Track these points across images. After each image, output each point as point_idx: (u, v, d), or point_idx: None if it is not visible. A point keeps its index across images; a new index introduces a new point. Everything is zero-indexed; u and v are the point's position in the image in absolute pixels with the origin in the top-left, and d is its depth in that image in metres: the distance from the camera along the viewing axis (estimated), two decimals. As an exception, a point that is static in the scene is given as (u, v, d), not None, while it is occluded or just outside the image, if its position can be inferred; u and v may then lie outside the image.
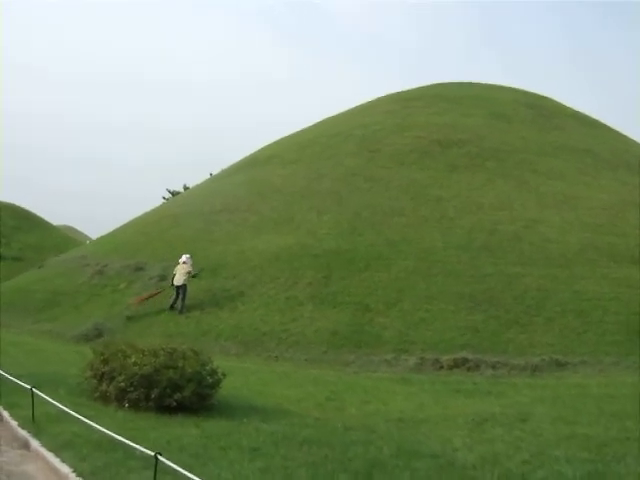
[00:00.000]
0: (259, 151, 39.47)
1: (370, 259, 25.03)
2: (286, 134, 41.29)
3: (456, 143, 32.85)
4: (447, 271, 24.17)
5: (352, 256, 25.29)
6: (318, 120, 41.62)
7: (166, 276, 26.02)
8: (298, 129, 41.41)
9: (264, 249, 26.57)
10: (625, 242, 26.38)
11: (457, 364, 19.66)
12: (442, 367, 19.69)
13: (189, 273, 24.83)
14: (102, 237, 37.04)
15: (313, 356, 20.51)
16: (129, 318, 24.22)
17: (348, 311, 22.44)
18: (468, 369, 19.54)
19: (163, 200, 64.76)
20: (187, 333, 22.60)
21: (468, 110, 36.81)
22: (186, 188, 63.03)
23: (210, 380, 13.00)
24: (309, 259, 25.43)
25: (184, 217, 31.00)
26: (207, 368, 13.06)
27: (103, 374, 13.08)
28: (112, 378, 12.82)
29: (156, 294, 25.48)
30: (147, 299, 25.33)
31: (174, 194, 63.21)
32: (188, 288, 24.58)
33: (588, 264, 24.80)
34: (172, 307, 24.67)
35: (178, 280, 24.70)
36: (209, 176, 62.79)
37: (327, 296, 23.29)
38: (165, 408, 12.47)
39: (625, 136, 39.38)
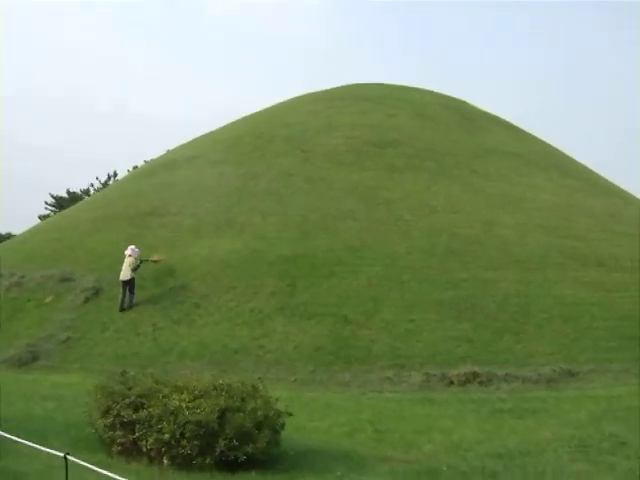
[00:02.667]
0: (176, 151, 35.52)
1: (332, 265, 22.04)
2: (197, 134, 37.54)
3: (390, 144, 30.41)
4: (419, 277, 21.59)
5: (311, 262, 22.23)
6: (234, 119, 38.10)
7: (102, 289, 21.91)
8: (210, 129, 37.76)
9: (209, 255, 23.01)
10: (585, 245, 24.81)
11: (468, 379, 17.08)
12: (452, 383, 17.08)
13: (135, 265, 21.60)
14: (8, 244, 31.80)
15: (302, 376, 17.34)
16: (66, 340, 19.95)
17: (326, 323, 19.40)
18: (480, 384, 17.02)
19: (47, 206, 58.76)
20: (143, 353, 18.80)
21: (391, 111, 34.53)
22: (70, 193, 57.46)
23: (280, 422, 9.62)
24: (264, 266, 22.11)
25: (105, 221, 26.74)
26: (275, 408, 9.66)
27: (132, 423, 9.36)
28: (148, 427, 9.14)
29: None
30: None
31: (58, 199, 57.32)
32: (135, 282, 21.42)
33: (558, 268, 22.94)
34: (122, 309, 21.21)
35: (124, 275, 21.39)
36: (105, 180, 58.32)
37: (296, 307, 20.12)
38: (226, 464, 9.01)
39: (542, 140, 38.30)
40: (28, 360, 19.25)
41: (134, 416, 9.33)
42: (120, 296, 21.36)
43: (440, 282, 21.43)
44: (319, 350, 18.31)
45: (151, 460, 9.33)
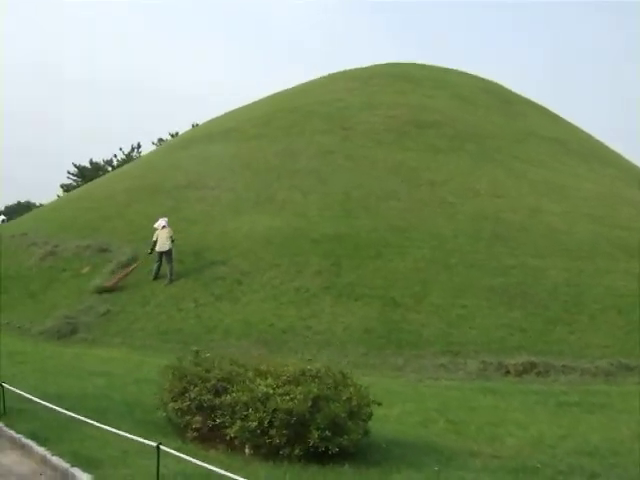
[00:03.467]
0: (210, 124, 34.59)
1: (378, 246, 21.23)
2: (227, 109, 36.65)
3: (431, 125, 29.49)
4: (467, 262, 20.76)
5: (356, 242, 21.41)
6: (265, 95, 37.14)
7: (139, 261, 21.25)
8: (239, 105, 36.84)
9: (250, 231, 22.22)
10: (631, 235, 23.86)
11: (525, 369, 16.29)
12: (508, 372, 16.29)
13: (172, 237, 20.85)
14: (38, 212, 31.11)
15: (354, 359, 16.50)
16: (105, 312, 19.22)
17: (374, 305, 18.59)
18: (537, 374, 16.24)
19: (69, 175, 57.99)
20: (186, 330, 18.03)
21: (430, 91, 33.58)
22: (93, 163, 56.67)
23: (369, 412, 8.86)
24: (308, 244, 21.32)
25: (141, 193, 25.98)
26: (367, 397, 8.88)
27: (213, 408, 8.61)
28: (232, 414, 8.39)
29: (130, 272, 21.17)
30: (120, 280, 21.01)
31: (80, 169, 56.49)
32: (174, 253, 20.68)
33: (607, 258, 22.07)
34: (156, 277, 20.68)
35: (162, 245, 20.70)
36: (129, 151, 57.55)
37: (343, 288, 19.32)
38: (315, 456, 8.25)
39: (576, 126, 37.26)
40: (67, 332, 18.57)
41: (216, 401, 8.57)
42: (155, 265, 20.74)
43: (488, 268, 20.62)
44: (369, 333, 17.54)
45: (231, 448, 8.59)
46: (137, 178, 27.81)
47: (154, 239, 20.85)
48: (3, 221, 38.50)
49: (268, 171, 25.86)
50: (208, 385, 8.77)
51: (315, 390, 8.32)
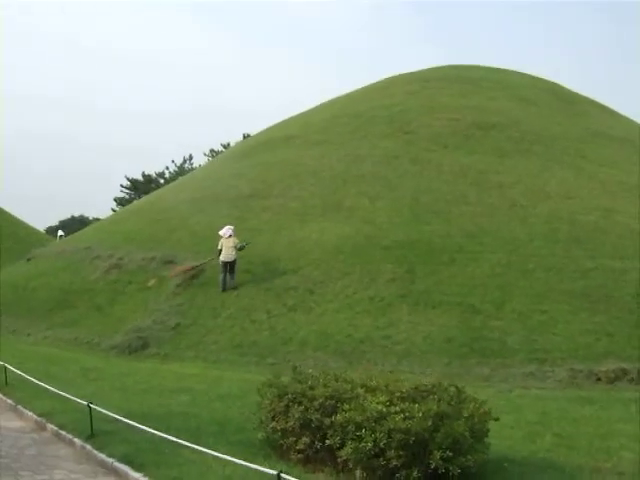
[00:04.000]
0: (270, 131, 34.26)
1: (452, 252, 20.59)
2: (285, 116, 36.33)
3: (494, 126, 28.71)
4: (544, 266, 20.00)
5: (429, 248, 20.80)
6: (322, 101, 36.78)
7: (205, 272, 20.98)
8: (297, 111, 36.48)
9: (320, 239, 21.76)
10: None
11: (617, 376, 15.51)
12: (599, 379, 15.53)
13: (236, 246, 20.54)
14: (99, 226, 31.12)
15: (437, 369, 15.83)
16: (176, 326, 18.92)
17: (453, 313, 17.96)
18: (630, 381, 15.46)
19: (122, 189, 58.36)
20: (262, 342, 17.61)
21: (491, 93, 32.77)
22: (146, 176, 56.92)
23: (487, 429, 8.27)
24: (379, 251, 20.79)
25: (205, 203, 25.72)
26: (487, 413, 8.30)
27: (320, 428, 8.13)
28: (343, 434, 7.87)
29: (200, 266, 21.31)
30: (190, 271, 21.19)
31: (133, 182, 56.78)
32: (237, 263, 20.44)
33: (688, 259, 21.01)
34: (225, 288, 20.31)
35: (228, 256, 20.39)
36: (181, 163, 57.76)
37: (419, 295, 18.73)
38: (433, 478, 7.71)
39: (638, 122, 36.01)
40: (138, 347, 18.30)
41: (325, 421, 8.08)
42: (221, 276, 20.39)
43: (567, 271, 19.84)
44: (450, 342, 16.91)
45: (340, 471, 8.10)
46: (198, 189, 27.59)
47: (219, 247, 20.54)
48: (61, 236, 38.68)
49: (333, 177, 25.40)
50: (315, 404, 8.30)
51: (435, 407, 7.79)
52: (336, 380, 8.76)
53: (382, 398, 8.00)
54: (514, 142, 27.65)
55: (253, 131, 59.37)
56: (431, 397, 8.04)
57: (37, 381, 12.58)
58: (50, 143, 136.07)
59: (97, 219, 62.54)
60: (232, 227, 21.05)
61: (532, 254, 20.58)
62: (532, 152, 27.06)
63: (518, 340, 16.90)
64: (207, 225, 23.67)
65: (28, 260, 28.13)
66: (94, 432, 9.69)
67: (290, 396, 8.65)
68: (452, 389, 8.48)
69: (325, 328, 17.78)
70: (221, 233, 20.87)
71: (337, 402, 8.21)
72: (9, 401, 12.67)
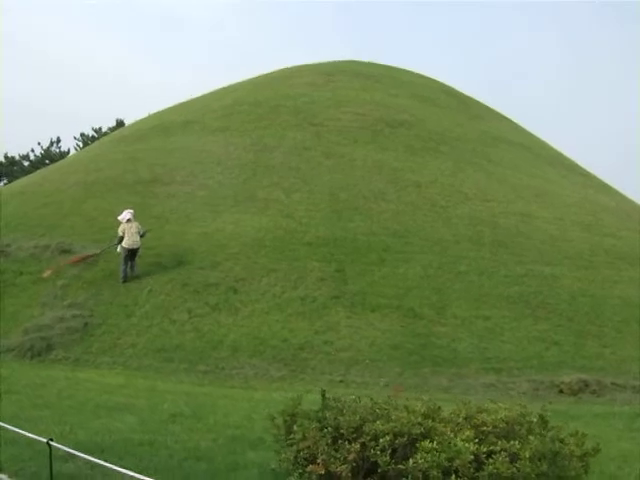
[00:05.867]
0: (162, 115, 31.28)
1: (379, 251, 19.11)
2: (177, 100, 33.53)
3: (401, 124, 27.55)
4: (476, 269, 19.02)
5: (355, 246, 19.21)
6: (223, 86, 34.22)
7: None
8: (190, 96, 33.82)
9: (236, 232, 19.61)
10: (622, 243, 22.69)
11: (580, 388, 14.59)
12: (561, 392, 14.58)
13: (140, 232, 18.22)
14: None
15: (392, 379, 14.27)
16: (84, 326, 16.09)
17: (393, 317, 16.45)
18: (592, 393, 14.60)
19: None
20: (187, 346, 15.25)
21: (392, 90, 31.63)
22: (8, 158, 51.65)
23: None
24: (303, 247, 18.96)
25: (99, 187, 22.73)
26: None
27: (387, 475, 6.18)
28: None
29: (92, 256, 18.64)
30: (88, 258, 18.51)
31: (9, 159, 51.35)
32: (140, 251, 18.17)
33: (609, 267, 20.84)
34: (126, 279, 17.88)
35: (134, 242, 17.90)
36: (48, 145, 52.66)
37: (353, 297, 17.07)
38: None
39: (530, 131, 36.11)
40: (41, 350, 15.35)
41: (396, 466, 6.05)
42: (123, 266, 17.89)
43: (499, 276, 18.91)
44: (398, 348, 15.32)
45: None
46: (90, 171, 24.44)
47: (120, 234, 18.00)
48: None
49: (242, 167, 23.19)
50: (381, 442, 6.22)
51: (537, 444, 6.00)
52: (395, 409, 6.75)
53: (468, 434, 6.11)
54: (422, 140, 26.59)
55: (127, 117, 55.76)
56: (521, 429, 6.25)
57: None
58: None
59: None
60: (132, 211, 18.56)
61: (461, 256, 19.49)
62: (440, 152, 26.10)
63: (468, 348, 15.62)
64: (105, 211, 20.82)
65: None
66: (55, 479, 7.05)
67: (331, 430, 6.51)
68: (533, 417, 6.73)
69: (257, 331, 15.65)
70: (120, 218, 18.29)
71: (409, 439, 6.20)
72: None
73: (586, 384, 14.66)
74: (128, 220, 18.12)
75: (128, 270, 17.88)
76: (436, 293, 17.53)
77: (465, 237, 20.46)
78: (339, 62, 35.87)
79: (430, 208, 21.83)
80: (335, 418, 6.67)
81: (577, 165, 33.39)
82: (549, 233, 21.85)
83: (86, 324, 16.14)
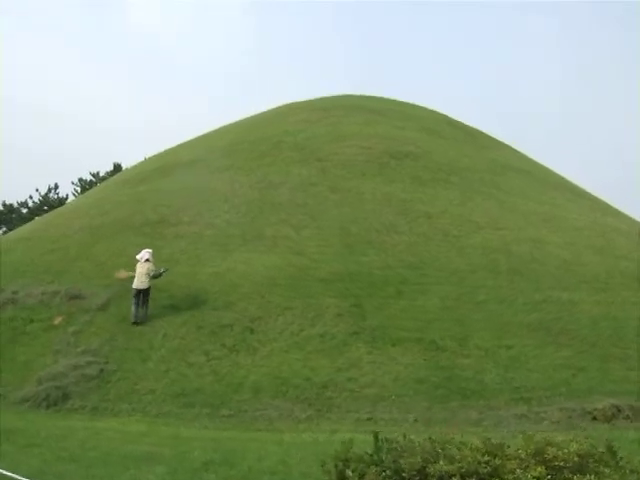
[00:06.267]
0: (163, 157, 31.14)
1: (396, 284, 18.77)
2: (176, 142, 33.40)
3: (407, 156, 27.40)
4: (495, 298, 18.67)
5: (370, 280, 18.86)
6: (218, 126, 34.16)
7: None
8: (188, 137, 33.70)
9: (247, 271, 19.27)
10: (635, 266, 22.32)
11: (614, 414, 14.11)
12: (595, 418, 14.05)
13: (150, 273, 17.88)
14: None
15: (421, 415, 13.79)
16: (99, 373, 15.66)
17: (415, 350, 16.04)
18: (626, 418, 14.17)
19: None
20: (208, 390, 14.80)
21: (397, 123, 31.58)
22: (6, 205, 51.46)
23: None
24: (317, 284, 18.62)
25: (106, 230, 22.44)
26: None
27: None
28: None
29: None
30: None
31: (8, 206, 51.15)
32: (151, 292, 17.78)
33: (627, 289, 20.41)
34: (136, 321, 17.53)
35: (140, 283, 17.70)
36: (46, 192, 52.46)
37: (373, 332, 16.69)
38: None
39: (531, 157, 36.02)
40: (57, 399, 14.87)
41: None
42: (133, 307, 17.60)
43: (518, 303, 18.54)
44: (423, 382, 14.88)
45: None
46: (95, 215, 24.18)
47: (133, 273, 17.89)
48: None
49: (248, 204, 22.95)
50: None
51: (619, 478, 5.62)
52: (458, 448, 6.36)
53: (540, 470, 5.73)
54: (430, 172, 26.41)
55: (124, 161, 55.77)
56: (591, 462, 5.87)
57: None
58: None
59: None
60: (150, 251, 18.38)
61: (478, 285, 19.15)
62: (450, 182, 25.90)
63: (495, 379, 15.16)
64: (114, 254, 20.54)
65: None
66: None
67: (394, 474, 6.11)
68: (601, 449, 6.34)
69: (277, 371, 15.22)
70: (138, 257, 18.03)
71: None
72: None
73: (619, 409, 14.22)
74: (146, 260, 17.90)
75: (138, 311, 17.58)
76: (457, 324, 17.16)
77: (480, 266, 20.15)
78: (336, 97, 35.96)
79: (443, 238, 21.55)
80: (394, 461, 6.27)
81: (582, 189, 33.26)
82: (562, 258, 21.54)
83: (102, 371, 15.71)
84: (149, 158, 32.82)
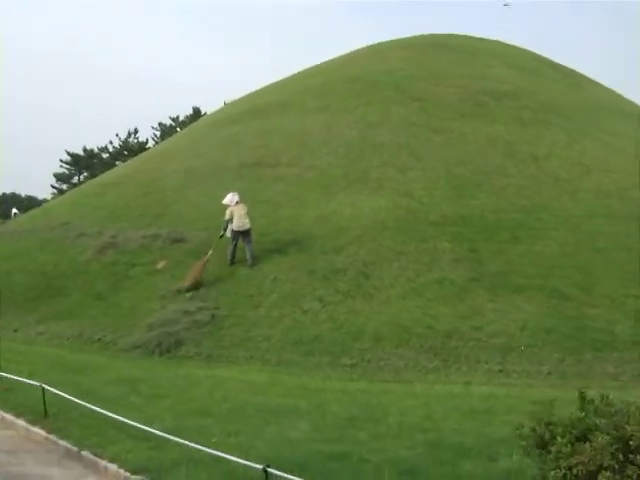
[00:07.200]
0: (253, 98, 30.50)
1: (511, 229, 17.95)
2: (268, 82, 32.66)
3: (506, 95, 26.16)
4: (614, 245, 17.63)
5: (484, 224, 18.11)
6: (308, 67, 33.26)
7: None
8: (280, 78, 32.90)
9: (354, 214, 18.62)
10: None
11: None
12: None
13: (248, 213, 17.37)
14: (68, 199, 26.62)
15: (554, 367, 13.08)
16: (210, 319, 15.31)
17: (539, 299, 15.24)
18: None
19: (62, 164, 52.92)
20: (326, 337, 14.33)
21: (488, 61, 30.19)
22: (87, 150, 51.75)
23: None
24: (429, 228, 17.88)
25: (203, 173, 22.01)
26: None
27: None
28: None
29: (207, 261, 17.33)
30: (200, 273, 17.09)
31: (74, 157, 51.48)
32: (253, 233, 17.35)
33: None
34: (233, 262, 17.27)
35: (242, 224, 17.12)
36: (126, 137, 52.66)
37: (493, 278, 15.93)
38: None
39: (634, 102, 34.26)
40: (170, 346, 14.57)
41: None
42: (231, 247, 17.24)
43: (638, 251, 17.39)
44: (551, 333, 14.11)
45: None
46: (188, 158, 23.76)
47: (227, 217, 17.25)
48: (15, 214, 33.59)
49: (348, 146, 22.19)
50: None
51: None
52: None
53: None
54: (531, 111, 25.18)
55: (203, 104, 55.35)
56: None
57: (94, 407, 8.84)
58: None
59: (30, 196, 56.86)
60: (237, 193, 17.79)
61: (596, 232, 18.18)
62: (551, 123, 24.66)
63: (627, 330, 14.29)
64: (212, 197, 19.94)
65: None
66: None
67: (616, 441, 5.39)
68: None
69: (397, 319, 14.65)
70: (227, 202, 17.54)
71: None
72: (65, 444, 8.43)
73: None
74: (236, 203, 17.41)
75: (249, 254, 17.22)
76: (579, 272, 16.27)
77: (595, 212, 19.14)
78: (424, 36, 34.61)
79: (554, 182, 20.53)
80: (617, 427, 5.58)
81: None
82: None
83: (213, 316, 15.37)
84: (235, 101, 32.11)
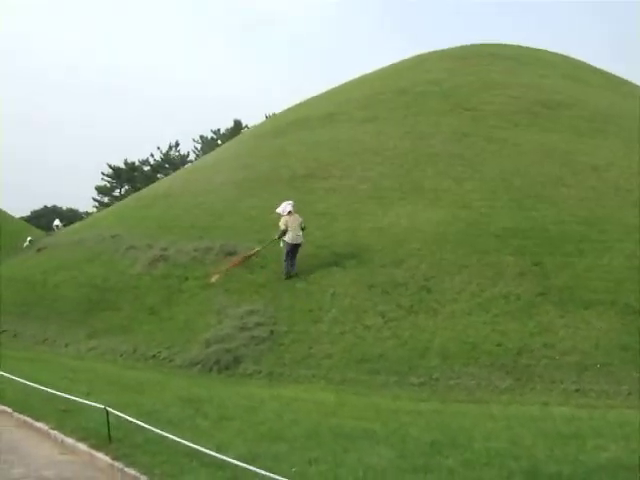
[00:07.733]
0: (297, 110, 30.14)
1: (575, 241, 17.20)
2: (314, 94, 32.33)
3: (560, 105, 25.47)
4: (683, 257, 16.70)
5: (547, 237, 17.45)
6: (352, 78, 32.86)
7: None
8: (328, 87, 32.56)
9: (412, 226, 18.13)
10: None
11: None
12: None
13: (302, 225, 17.07)
14: (115, 211, 26.45)
15: (634, 387, 12.49)
16: (269, 335, 14.83)
17: (611, 315, 14.62)
18: None
19: (103, 177, 53.14)
20: (391, 355, 13.85)
21: (538, 70, 29.50)
22: (128, 163, 51.83)
23: None
24: (492, 240, 17.34)
25: (252, 185, 21.67)
26: None
27: None
28: None
29: (253, 254, 17.45)
30: (242, 262, 17.27)
31: (115, 169, 51.60)
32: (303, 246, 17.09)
33: None
34: (289, 276, 16.81)
35: (296, 236, 16.83)
36: (167, 150, 52.79)
37: (560, 293, 15.31)
38: None
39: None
40: (229, 363, 14.12)
41: None
42: (285, 262, 16.83)
43: None
44: (627, 350, 13.46)
45: None
46: (236, 169, 23.46)
47: (282, 227, 16.82)
48: (57, 226, 33.56)
49: (400, 156, 21.71)
50: None
51: None
52: None
53: None
54: (586, 121, 24.51)
55: (243, 118, 55.40)
56: None
57: (163, 432, 8.21)
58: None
59: (72, 209, 57.07)
60: (292, 202, 17.48)
61: (664, 244, 17.34)
62: (608, 132, 23.96)
63: None
64: (263, 209, 19.65)
65: (38, 251, 23.47)
66: None
67: None
68: None
69: (463, 335, 14.08)
70: (280, 211, 17.14)
71: None
72: (133, 472, 7.52)
73: None
74: (289, 212, 16.98)
75: (290, 266, 16.78)
76: (648, 285, 15.58)
77: (662, 223, 18.37)
78: (472, 45, 33.97)
79: (615, 192, 19.81)
80: None
81: None
82: None
83: (272, 332, 14.91)
84: (280, 113, 31.82)
